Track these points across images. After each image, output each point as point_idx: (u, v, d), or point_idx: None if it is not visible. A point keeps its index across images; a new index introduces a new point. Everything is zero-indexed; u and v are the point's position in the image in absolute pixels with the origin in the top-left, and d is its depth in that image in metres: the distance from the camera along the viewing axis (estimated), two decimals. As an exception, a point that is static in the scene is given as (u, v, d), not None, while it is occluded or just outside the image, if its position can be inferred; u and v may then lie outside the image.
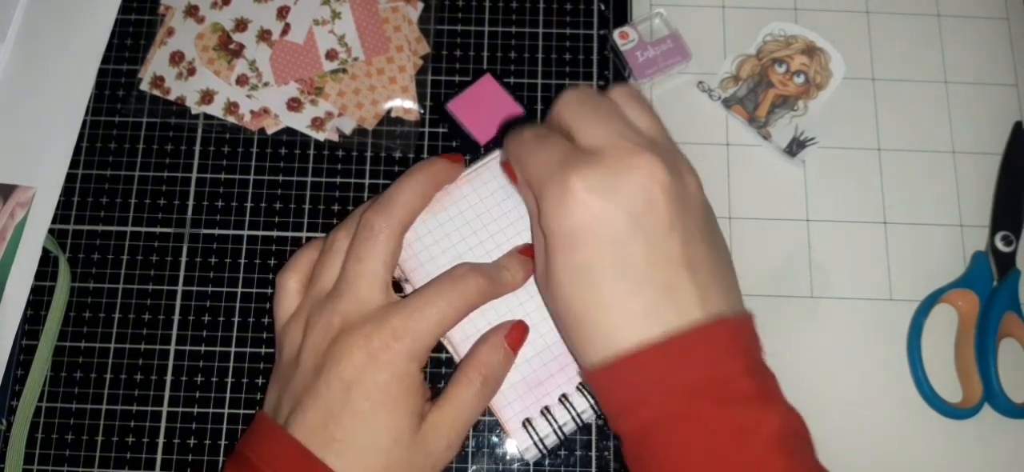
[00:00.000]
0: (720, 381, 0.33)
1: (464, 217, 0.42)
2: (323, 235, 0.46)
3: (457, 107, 0.47)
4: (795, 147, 0.47)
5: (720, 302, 0.35)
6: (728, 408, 0.33)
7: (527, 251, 0.41)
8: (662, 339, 0.33)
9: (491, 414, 0.43)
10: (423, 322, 0.37)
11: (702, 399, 0.33)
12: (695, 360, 0.33)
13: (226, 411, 0.44)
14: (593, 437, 0.43)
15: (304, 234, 0.46)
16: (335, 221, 0.46)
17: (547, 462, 0.43)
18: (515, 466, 0.43)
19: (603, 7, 0.50)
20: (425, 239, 0.42)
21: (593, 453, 0.43)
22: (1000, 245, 0.45)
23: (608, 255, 0.34)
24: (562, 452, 0.43)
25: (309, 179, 0.47)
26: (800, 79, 0.48)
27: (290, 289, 0.41)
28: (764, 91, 0.48)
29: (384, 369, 0.36)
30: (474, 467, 0.43)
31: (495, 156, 0.44)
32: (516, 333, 0.40)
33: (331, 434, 0.36)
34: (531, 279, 0.42)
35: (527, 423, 0.40)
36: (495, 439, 0.43)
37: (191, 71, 0.49)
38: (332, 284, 0.39)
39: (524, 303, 0.41)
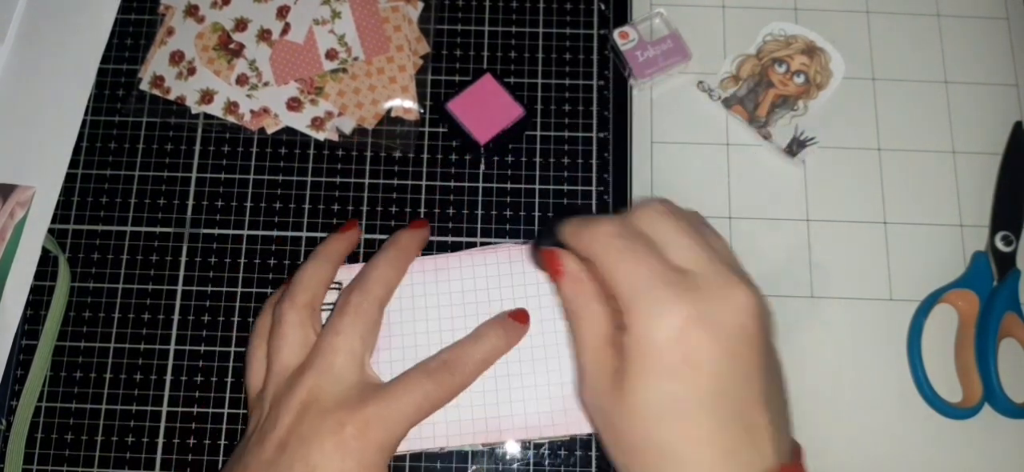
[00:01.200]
0: None
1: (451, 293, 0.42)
2: (323, 236, 0.46)
3: (457, 107, 0.47)
4: (795, 147, 0.47)
5: (784, 439, 0.34)
6: None
7: (518, 316, 0.41)
8: None
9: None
10: (398, 412, 0.36)
11: None
12: None
13: (226, 411, 0.44)
14: (593, 437, 0.43)
15: (304, 234, 0.46)
16: (335, 221, 0.46)
17: (547, 462, 0.43)
18: (515, 466, 0.43)
19: (603, 7, 0.50)
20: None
21: (593, 453, 0.43)
22: (1000, 245, 0.45)
23: (706, 390, 0.32)
24: (562, 452, 0.43)
25: (309, 179, 0.47)
26: (800, 79, 0.48)
27: (260, 357, 0.40)
28: (764, 91, 0.48)
29: (352, 457, 0.35)
30: (474, 467, 0.43)
31: (490, 249, 0.43)
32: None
33: None
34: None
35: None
36: (495, 439, 0.43)
37: (191, 71, 0.49)
38: (293, 360, 0.38)
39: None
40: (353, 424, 0.35)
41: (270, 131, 0.48)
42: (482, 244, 0.46)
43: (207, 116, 0.48)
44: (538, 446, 0.43)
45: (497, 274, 0.43)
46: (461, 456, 0.43)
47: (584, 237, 0.36)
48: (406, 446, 0.40)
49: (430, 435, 0.40)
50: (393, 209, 0.47)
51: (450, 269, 0.43)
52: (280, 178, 0.47)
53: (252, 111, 0.48)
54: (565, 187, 0.47)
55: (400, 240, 0.42)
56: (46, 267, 0.46)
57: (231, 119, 0.48)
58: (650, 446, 0.33)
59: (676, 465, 0.33)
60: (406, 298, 0.42)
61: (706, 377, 0.32)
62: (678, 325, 0.32)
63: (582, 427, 0.40)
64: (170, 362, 0.45)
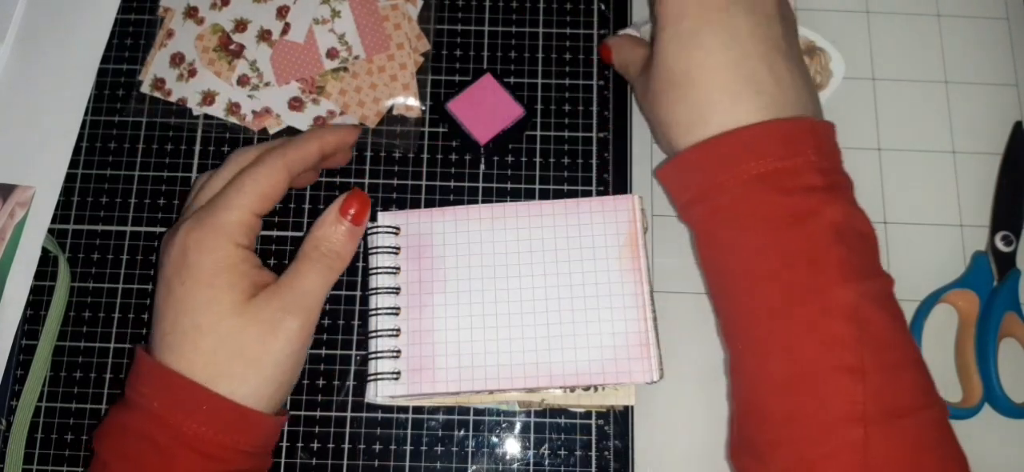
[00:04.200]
0: (788, 172, 0.35)
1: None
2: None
3: (457, 107, 0.47)
4: (795, 147, 0.47)
5: (807, 101, 0.38)
6: (789, 197, 0.35)
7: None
8: (745, 124, 0.36)
9: (491, 413, 0.43)
10: (225, 200, 0.38)
11: (767, 187, 0.35)
12: (769, 150, 0.36)
13: (226, 411, 0.44)
14: (593, 437, 0.43)
15: (304, 234, 0.46)
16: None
17: (547, 462, 0.43)
18: (515, 466, 0.43)
19: (603, 7, 0.50)
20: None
21: (593, 453, 0.43)
22: (1000, 245, 0.45)
23: (717, 21, 0.37)
24: (562, 452, 0.43)
25: (309, 179, 0.47)
26: (800, 79, 0.48)
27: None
28: (764, 91, 0.48)
29: (191, 251, 0.37)
30: (474, 467, 0.43)
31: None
32: (353, 202, 0.40)
33: (162, 332, 0.37)
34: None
35: (380, 378, 0.41)
36: (495, 439, 0.43)
37: (192, 72, 0.49)
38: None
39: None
40: (185, 226, 0.38)
41: (272, 131, 0.48)
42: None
43: (207, 116, 0.48)
44: (539, 446, 0.43)
45: (553, 225, 0.43)
46: (461, 455, 0.43)
47: None
48: (456, 387, 0.41)
49: (482, 378, 0.41)
50: (393, 209, 0.46)
51: (507, 218, 0.44)
52: (280, 178, 0.47)
53: (254, 112, 0.48)
54: (565, 187, 0.47)
55: (331, 129, 0.44)
56: (46, 267, 0.46)
57: (233, 120, 0.48)
58: (668, 87, 0.38)
59: (685, 95, 0.38)
60: (462, 244, 0.43)
61: (715, 10, 0.37)
62: None
63: (632, 376, 0.41)
64: (170, 362, 0.44)
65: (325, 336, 0.45)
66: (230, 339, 0.37)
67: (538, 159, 0.47)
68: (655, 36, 0.39)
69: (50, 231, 0.46)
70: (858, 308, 0.34)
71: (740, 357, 0.38)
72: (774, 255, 0.35)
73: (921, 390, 0.35)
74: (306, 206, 0.47)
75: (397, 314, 0.42)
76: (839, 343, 0.34)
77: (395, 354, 0.42)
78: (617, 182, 0.47)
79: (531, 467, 0.43)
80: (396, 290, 0.43)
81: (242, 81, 0.48)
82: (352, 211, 0.40)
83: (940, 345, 0.44)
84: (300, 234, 0.46)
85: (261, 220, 0.40)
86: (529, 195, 0.47)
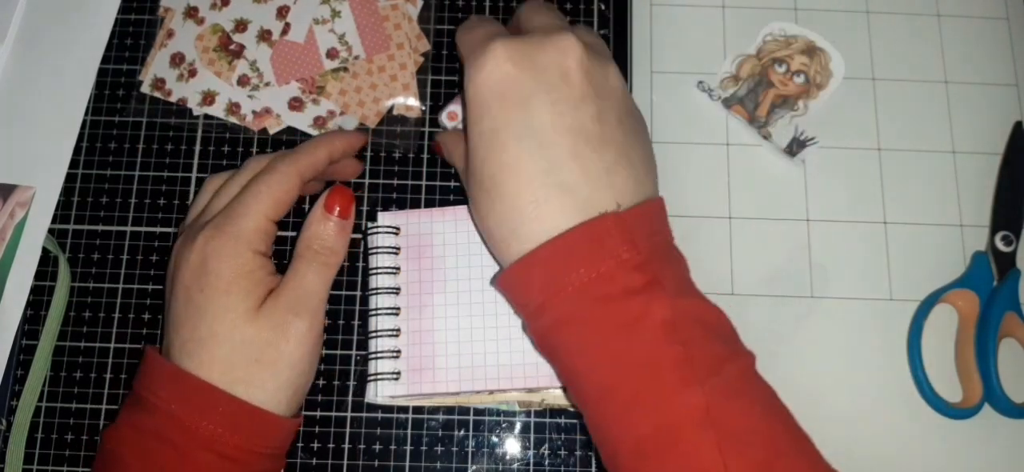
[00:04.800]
0: (604, 279, 0.33)
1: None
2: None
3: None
4: (795, 147, 0.47)
5: (627, 184, 0.35)
6: (613, 305, 0.33)
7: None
8: (555, 232, 0.34)
9: (490, 413, 0.43)
10: (242, 207, 0.39)
11: (589, 298, 0.33)
12: (581, 258, 0.33)
13: (226, 411, 0.44)
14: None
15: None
16: (335, 221, 0.46)
17: (547, 462, 0.43)
18: (515, 466, 0.43)
19: (603, 7, 0.50)
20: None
21: (593, 453, 0.43)
22: (1000, 245, 0.45)
23: (517, 120, 0.35)
24: (562, 452, 0.43)
25: (309, 179, 0.47)
26: (800, 79, 0.48)
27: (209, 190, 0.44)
28: (764, 91, 0.48)
29: (211, 259, 0.38)
30: (474, 467, 0.43)
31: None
32: (336, 197, 0.41)
33: (182, 340, 0.38)
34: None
35: (380, 378, 0.42)
36: (495, 439, 0.43)
37: (192, 72, 0.49)
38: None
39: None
40: (204, 234, 0.39)
41: (272, 131, 0.48)
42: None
43: (207, 116, 0.48)
44: (539, 446, 0.43)
45: None
46: (461, 455, 0.43)
47: (456, 35, 0.41)
48: (456, 387, 0.41)
49: (482, 378, 0.41)
50: (393, 209, 0.46)
51: None
52: (280, 178, 0.47)
53: (254, 112, 0.48)
54: (565, 187, 0.47)
55: (339, 134, 0.45)
56: (46, 267, 0.46)
57: (233, 120, 0.48)
58: (483, 191, 0.36)
59: (500, 203, 0.36)
60: (462, 244, 0.43)
61: (513, 106, 0.35)
62: (494, 63, 0.35)
63: None
64: (170, 362, 0.44)
65: (325, 336, 0.45)
66: (245, 346, 0.37)
67: (538, 159, 0.47)
68: (468, 122, 0.37)
69: (50, 231, 0.46)
70: (709, 409, 0.31)
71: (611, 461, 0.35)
72: (612, 373, 0.33)
73: None
74: (306, 206, 0.47)
75: (397, 314, 0.42)
76: (698, 463, 0.31)
77: (395, 354, 0.42)
78: (617, 182, 0.47)
79: (531, 467, 0.43)
80: (396, 290, 0.43)
81: (242, 81, 0.48)
82: (337, 207, 0.41)
83: (940, 345, 0.44)
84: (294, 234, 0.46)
85: (276, 226, 0.40)
86: (529, 195, 0.47)
